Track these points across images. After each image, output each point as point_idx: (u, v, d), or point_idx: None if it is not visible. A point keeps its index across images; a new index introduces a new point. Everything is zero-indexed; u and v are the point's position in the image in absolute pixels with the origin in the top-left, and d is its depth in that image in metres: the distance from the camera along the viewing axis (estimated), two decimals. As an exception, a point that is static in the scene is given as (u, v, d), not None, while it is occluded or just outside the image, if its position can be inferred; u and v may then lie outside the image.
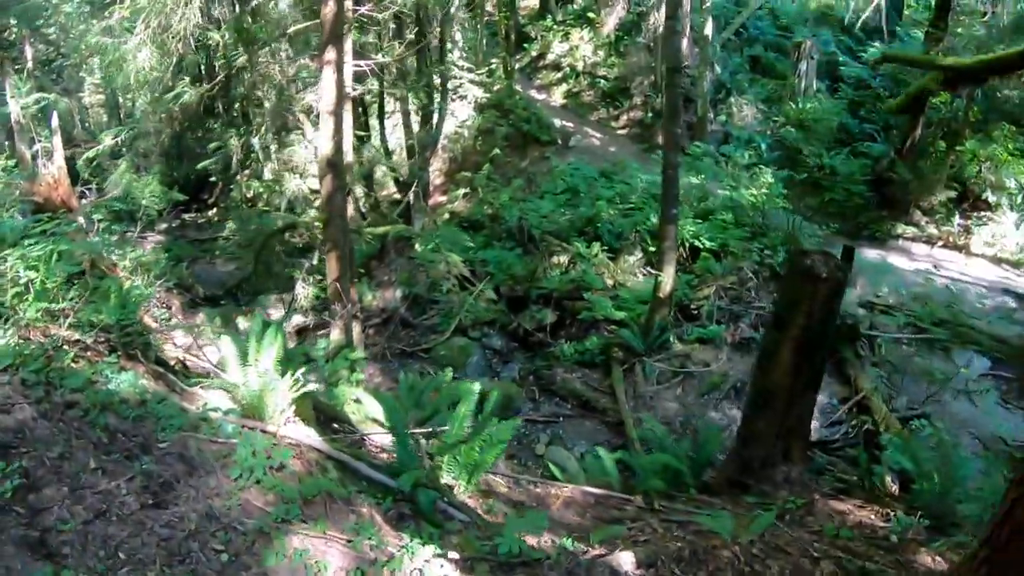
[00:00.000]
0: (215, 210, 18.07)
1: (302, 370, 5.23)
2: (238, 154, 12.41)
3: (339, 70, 7.85)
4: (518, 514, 4.94)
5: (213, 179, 18.17)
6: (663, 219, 9.67)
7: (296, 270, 10.19)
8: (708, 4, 16.19)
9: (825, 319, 6.26)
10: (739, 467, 6.77)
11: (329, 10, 7.69)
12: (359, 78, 9.82)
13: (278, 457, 4.55)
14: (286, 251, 13.12)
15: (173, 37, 8.38)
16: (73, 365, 5.43)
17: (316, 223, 9.82)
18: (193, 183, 18.23)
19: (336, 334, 7.95)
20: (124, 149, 16.02)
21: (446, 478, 5.02)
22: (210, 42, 10.44)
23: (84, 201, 14.34)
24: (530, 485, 6.24)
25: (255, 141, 12.20)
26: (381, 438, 6.42)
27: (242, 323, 12.17)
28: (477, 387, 5.25)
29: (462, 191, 13.63)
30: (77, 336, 6.03)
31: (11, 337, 5.42)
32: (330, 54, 7.75)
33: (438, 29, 11.71)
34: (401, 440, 4.85)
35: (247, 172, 17.94)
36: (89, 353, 6.25)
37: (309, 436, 5.29)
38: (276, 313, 13.11)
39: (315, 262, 9.25)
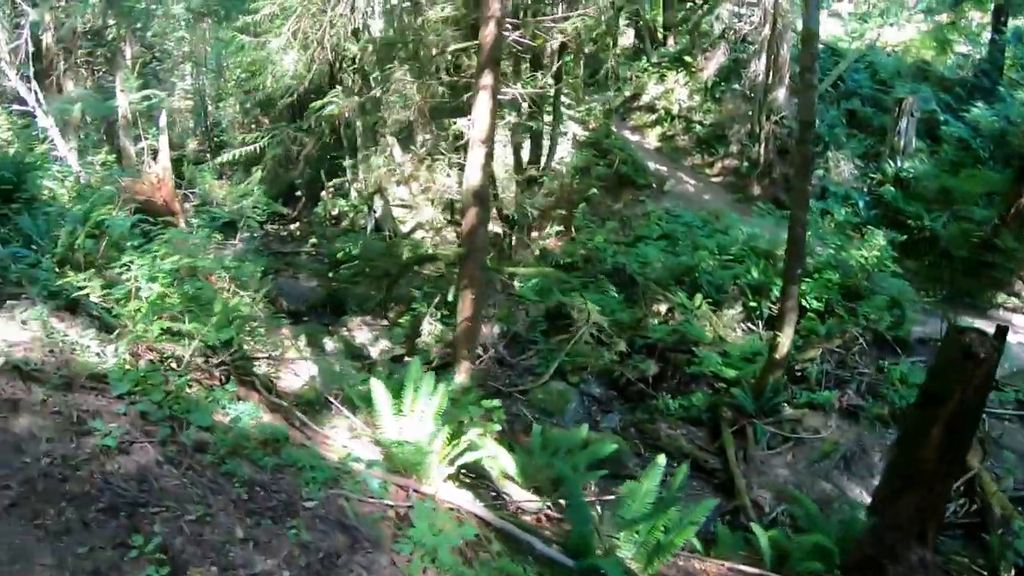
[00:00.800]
0: (297, 224, 18.13)
1: (476, 431, 4.98)
2: (380, 171, 12.27)
3: (494, 96, 7.54)
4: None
5: (298, 193, 18.31)
6: (787, 278, 9.38)
7: (423, 304, 9.92)
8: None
9: (979, 400, 6.19)
10: (875, 547, 6.55)
11: (489, 32, 7.37)
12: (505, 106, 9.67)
13: (458, 532, 4.24)
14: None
15: (316, 43, 8.17)
16: (189, 392, 4.97)
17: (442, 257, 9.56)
18: (276, 195, 18.34)
19: (462, 378, 7.71)
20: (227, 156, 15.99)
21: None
22: (347, 52, 10.35)
23: (187, 205, 14.43)
24: (674, 557, 5.96)
25: (378, 161, 12.06)
26: (520, 497, 6.17)
27: (329, 344, 12.06)
28: (663, 460, 4.98)
29: (555, 229, 13.46)
30: (181, 352, 5.70)
31: (122, 354, 5.06)
32: (487, 79, 7.40)
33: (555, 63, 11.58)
34: (579, 513, 4.61)
35: (331, 189, 18.03)
36: (201, 376, 5.92)
37: (469, 501, 5.03)
38: (361, 335, 12.99)
39: (450, 297, 8.95)
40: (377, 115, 14.56)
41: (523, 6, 8.89)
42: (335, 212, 17.10)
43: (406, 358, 9.41)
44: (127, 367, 4.86)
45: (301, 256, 16.64)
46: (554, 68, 10.32)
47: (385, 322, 13.46)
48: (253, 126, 19.50)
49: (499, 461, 6.34)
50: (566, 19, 8.11)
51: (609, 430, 9.97)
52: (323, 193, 17.83)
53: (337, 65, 13.02)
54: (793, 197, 9.34)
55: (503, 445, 6.63)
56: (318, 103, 8.99)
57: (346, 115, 16.76)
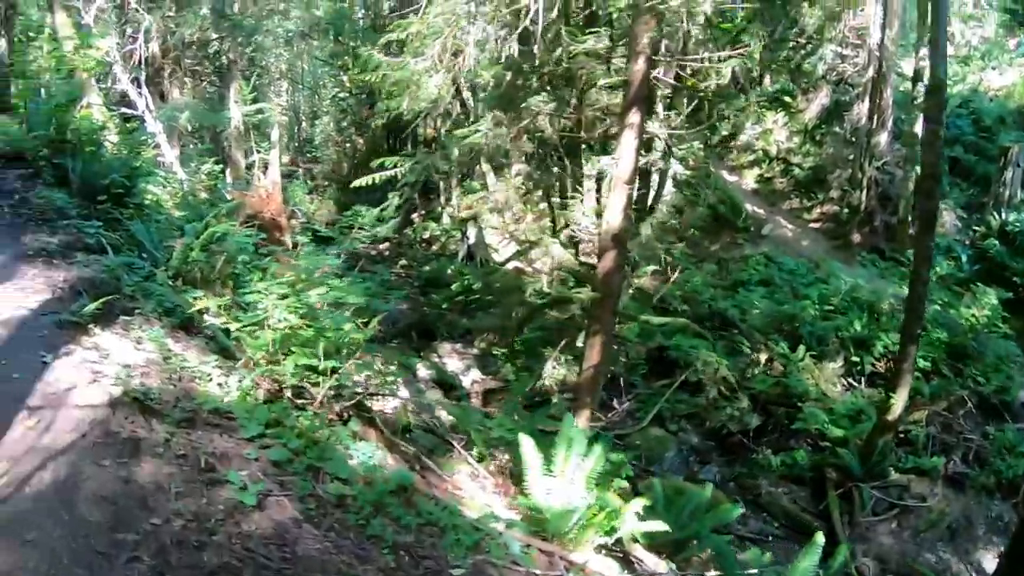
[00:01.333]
0: (387, 243, 18.43)
1: (639, 503, 5.00)
2: (475, 198, 12.31)
3: (640, 136, 7.25)
4: None
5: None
6: (905, 338, 9.16)
7: (548, 348, 9.95)
8: (919, 100, 15.57)
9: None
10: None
11: (639, 69, 7.09)
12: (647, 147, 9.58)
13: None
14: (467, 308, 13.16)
15: (456, 67, 8.03)
16: (318, 434, 4.74)
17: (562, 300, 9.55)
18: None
19: (582, 425, 7.70)
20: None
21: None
22: (479, 78, 10.30)
23: (293, 221, 14.72)
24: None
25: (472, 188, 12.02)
26: (649, 561, 6.15)
27: (422, 370, 12.20)
28: (821, 539, 4.93)
29: (651, 268, 13.40)
30: (295, 382, 5.53)
31: (246, 387, 4.91)
32: (633, 117, 7.11)
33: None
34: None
35: (422, 212, 18.32)
36: (321, 411, 5.82)
37: (617, 571, 5.06)
38: (452, 364, 13.12)
39: (579, 343, 8.90)
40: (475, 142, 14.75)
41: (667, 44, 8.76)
42: (427, 235, 17.33)
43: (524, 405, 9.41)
44: (253, 402, 4.76)
45: (390, 277, 16.86)
46: (687, 108, 10.22)
47: (475, 351, 13.60)
48: (347, 144, 19.90)
49: (627, 521, 6.33)
50: (727, 59, 7.91)
51: (707, 483, 9.88)
52: (415, 216, 18.11)
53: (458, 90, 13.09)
54: (916, 252, 9.15)
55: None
56: (463, 131, 8.93)
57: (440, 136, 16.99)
